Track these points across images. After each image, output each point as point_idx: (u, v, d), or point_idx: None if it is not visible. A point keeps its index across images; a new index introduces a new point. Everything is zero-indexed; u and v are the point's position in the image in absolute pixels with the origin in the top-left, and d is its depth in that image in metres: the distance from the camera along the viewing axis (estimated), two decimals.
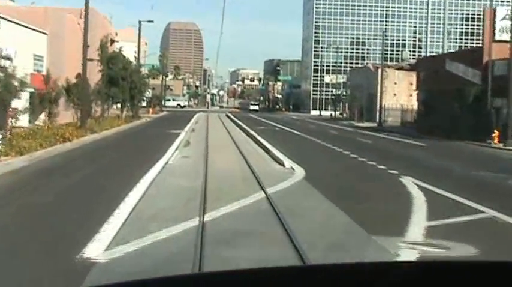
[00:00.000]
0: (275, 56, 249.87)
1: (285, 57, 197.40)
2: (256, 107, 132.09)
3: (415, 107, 62.26)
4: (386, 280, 1.90)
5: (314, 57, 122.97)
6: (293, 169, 18.90)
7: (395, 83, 71.34)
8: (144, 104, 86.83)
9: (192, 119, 64.08)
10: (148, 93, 75.92)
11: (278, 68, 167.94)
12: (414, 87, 68.46)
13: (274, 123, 58.51)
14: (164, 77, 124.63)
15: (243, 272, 2.09)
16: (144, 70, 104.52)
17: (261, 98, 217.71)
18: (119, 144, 29.51)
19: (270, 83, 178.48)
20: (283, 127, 51.35)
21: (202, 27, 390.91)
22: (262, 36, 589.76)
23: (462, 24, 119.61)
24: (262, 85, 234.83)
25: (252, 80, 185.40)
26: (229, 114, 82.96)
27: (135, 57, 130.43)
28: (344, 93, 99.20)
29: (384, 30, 69.13)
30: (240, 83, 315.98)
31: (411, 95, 70.48)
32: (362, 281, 1.92)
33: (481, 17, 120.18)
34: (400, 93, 70.56)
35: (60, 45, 44.56)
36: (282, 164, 20.25)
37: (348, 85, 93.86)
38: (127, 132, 38.95)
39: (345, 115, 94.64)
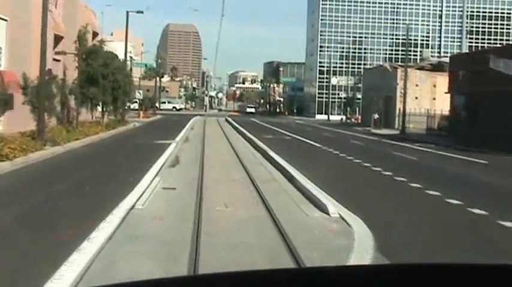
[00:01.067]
0: (274, 58, 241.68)
1: (285, 60, 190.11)
2: (253, 110, 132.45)
3: (441, 111, 54.40)
4: (380, 283, 1.91)
5: (320, 58, 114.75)
6: (346, 222, 10.94)
7: (417, 85, 63.32)
8: (137, 106, 79.21)
9: (188, 124, 56.11)
10: (139, 95, 67.91)
11: (281, 68, 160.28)
12: (439, 89, 60.55)
13: (282, 131, 50.48)
14: (159, 78, 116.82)
15: (238, 275, 2.05)
16: (137, 70, 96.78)
17: (261, 100, 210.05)
18: (78, 165, 21.28)
19: (271, 85, 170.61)
20: (294, 135, 43.29)
21: (200, 29, 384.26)
22: (260, 39, 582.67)
23: (480, 23, 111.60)
24: (262, 87, 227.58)
25: (253, 81, 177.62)
26: (229, 119, 75.00)
27: (131, 57, 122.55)
28: (357, 96, 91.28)
29: (408, 27, 61.04)
30: (238, 85, 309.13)
31: (434, 99, 62.58)
32: (357, 283, 1.93)
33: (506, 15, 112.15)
34: (422, 96, 62.57)
35: (25, 35, 36.47)
36: (323, 210, 12.20)
37: (361, 87, 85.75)
38: (102, 144, 30.87)
39: (353, 120, 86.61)
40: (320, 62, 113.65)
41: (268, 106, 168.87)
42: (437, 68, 65.17)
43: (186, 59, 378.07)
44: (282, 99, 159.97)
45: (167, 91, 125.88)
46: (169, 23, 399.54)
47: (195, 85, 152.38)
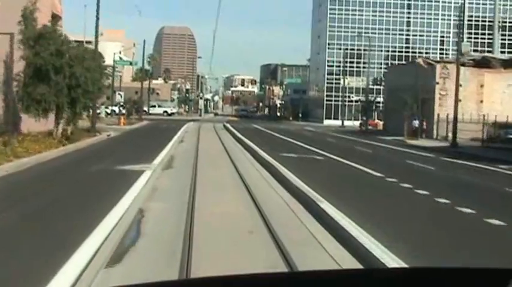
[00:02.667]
0: (270, 61, 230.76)
1: (282, 63, 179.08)
2: (245, 113, 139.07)
3: (495, 118, 42.89)
4: (372, 286, 1.91)
5: (328, 56, 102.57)
6: None
7: (460, 85, 51.52)
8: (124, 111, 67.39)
9: (178, 133, 44.30)
10: (120, 97, 56.00)
11: (284, 69, 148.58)
12: (487, 89, 48.87)
13: (299, 143, 38.45)
14: (149, 79, 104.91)
15: (233, 278, 2.04)
16: (128, 72, 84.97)
17: (260, 104, 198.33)
18: None
19: (271, 87, 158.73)
20: (323, 152, 31.13)
21: (195, 32, 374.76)
22: (256, 42, 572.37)
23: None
24: (260, 90, 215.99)
25: (254, 82, 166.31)
26: (228, 125, 63.16)
27: (120, 57, 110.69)
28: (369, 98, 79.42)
29: (462, 6, 49.17)
30: (234, 89, 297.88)
31: (482, 101, 50.89)
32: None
33: None
34: (466, 99, 50.74)
35: None
36: None
37: (383, 88, 73.79)
38: (28, 176, 18.85)
39: (370, 126, 74.78)
40: (328, 61, 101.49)
41: (268, 110, 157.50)
42: (481, 64, 53.54)
43: (181, 62, 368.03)
44: (282, 102, 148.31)
45: (158, 93, 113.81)
46: (163, 25, 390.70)
47: (188, 87, 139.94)
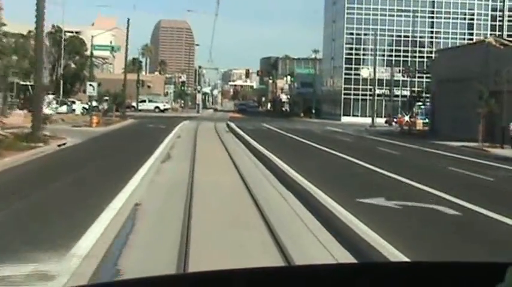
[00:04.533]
0: (270, 55, 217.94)
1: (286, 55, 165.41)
2: (244, 107, 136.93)
3: None
4: (368, 280, 1.91)
5: (347, 43, 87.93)
6: None
7: None
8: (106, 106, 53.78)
9: (165, 140, 30.46)
10: (91, 89, 42.08)
11: (295, 57, 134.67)
12: None
13: (358, 161, 23.65)
14: (137, 70, 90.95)
15: (228, 273, 2.02)
16: (118, 63, 73.93)
17: (263, 98, 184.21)
18: None
19: (274, 80, 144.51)
20: (432, 190, 16.57)
21: (194, 25, 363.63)
22: (254, 36, 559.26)
23: None
24: (261, 84, 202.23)
25: (260, 73, 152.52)
26: (233, 125, 49.26)
27: (112, 46, 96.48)
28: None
29: None
30: (232, 83, 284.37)
31: None
32: (344, 281, 1.92)
33: None
34: None
35: None
36: None
37: (430, 78, 59.62)
38: None
39: (396, 123, 60.84)
40: (347, 49, 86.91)
41: (272, 105, 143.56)
42: None
43: (179, 56, 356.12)
44: (288, 96, 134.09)
45: (149, 86, 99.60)
46: (160, 19, 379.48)
47: (184, 79, 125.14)
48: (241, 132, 38.80)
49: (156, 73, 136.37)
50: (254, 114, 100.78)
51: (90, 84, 42.20)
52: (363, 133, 50.88)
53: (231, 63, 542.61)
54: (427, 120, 59.71)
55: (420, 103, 59.75)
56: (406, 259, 7.90)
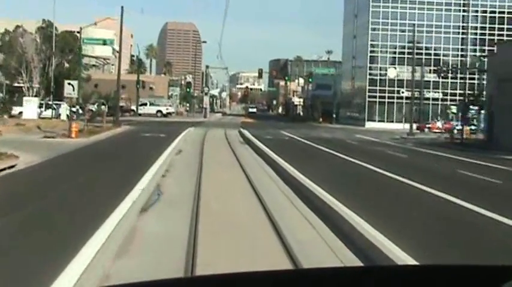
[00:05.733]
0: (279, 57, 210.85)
1: (298, 56, 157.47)
2: (254, 110, 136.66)
3: None
4: (374, 283, 1.89)
5: (371, 39, 78.42)
6: None
7: None
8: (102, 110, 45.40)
9: (159, 159, 21.24)
10: (70, 88, 33.14)
11: (308, 58, 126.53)
12: None
13: (454, 200, 14.99)
14: (138, 70, 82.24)
15: (234, 276, 2.03)
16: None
17: (274, 101, 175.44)
18: None
19: (287, 82, 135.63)
20: None
21: (201, 28, 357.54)
22: (262, 39, 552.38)
23: None
24: (270, 86, 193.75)
25: (274, 74, 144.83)
26: (247, 134, 40.15)
27: (113, 47, 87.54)
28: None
29: None
30: (240, 86, 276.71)
31: None
32: (350, 284, 1.91)
33: None
34: None
35: None
36: None
37: (486, 78, 50.34)
38: None
39: (451, 134, 51.42)
40: (372, 46, 77.43)
41: (285, 109, 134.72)
42: None
43: (186, 59, 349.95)
44: (301, 99, 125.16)
45: (151, 88, 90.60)
46: (167, 21, 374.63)
47: (190, 80, 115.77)
48: (260, 145, 29.70)
49: (162, 75, 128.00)
50: (266, 119, 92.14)
51: (69, 83, 33.19)
52: (406, 144, 41.80)
53: (238, 66, 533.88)
54: (473, 128, 50.88)
55: (476, 108, 50.50)
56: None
